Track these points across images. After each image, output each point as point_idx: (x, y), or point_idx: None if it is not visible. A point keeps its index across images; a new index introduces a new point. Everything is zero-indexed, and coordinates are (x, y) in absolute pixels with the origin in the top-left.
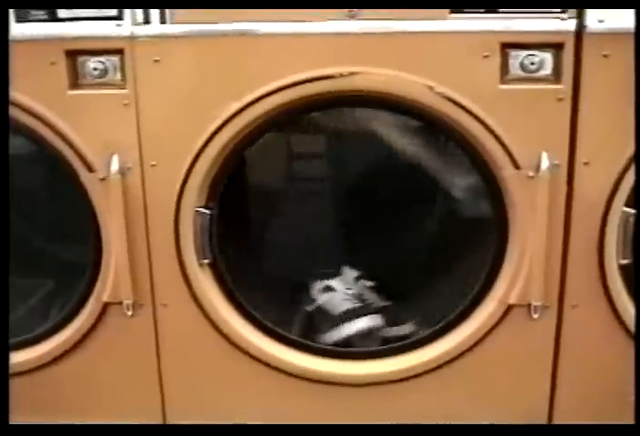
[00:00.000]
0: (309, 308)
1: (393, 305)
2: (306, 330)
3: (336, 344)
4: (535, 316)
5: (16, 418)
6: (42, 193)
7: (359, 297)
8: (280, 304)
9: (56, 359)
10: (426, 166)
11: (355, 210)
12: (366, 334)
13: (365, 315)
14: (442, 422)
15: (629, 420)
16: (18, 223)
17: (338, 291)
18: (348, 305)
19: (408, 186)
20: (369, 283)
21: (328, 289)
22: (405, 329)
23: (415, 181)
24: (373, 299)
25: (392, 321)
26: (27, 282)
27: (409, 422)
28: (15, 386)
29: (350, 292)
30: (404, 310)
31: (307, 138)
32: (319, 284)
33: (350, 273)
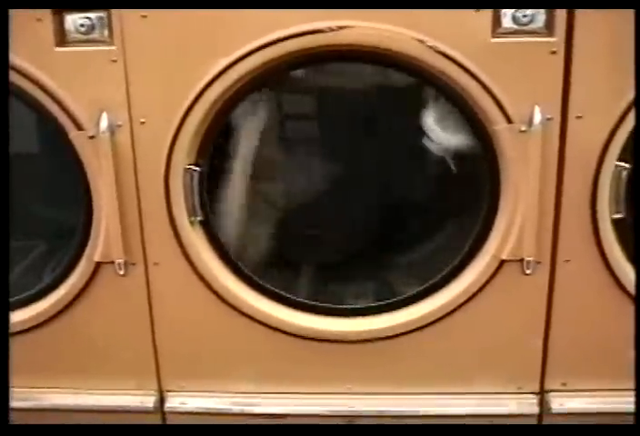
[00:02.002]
0: None
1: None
2: None
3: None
4: (528, 272)
5: (14, 379)
6: (33, 154)
7: None
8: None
9: (50, 319)
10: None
11: (344, 169)
12: None
13: None
14: (436, 378)
15: (623, 376)
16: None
17: None
18: None
19: (398, 144)
20: None
21: None
22: None
23: (405, 139)
24: None
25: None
26: (20, 244)
27: (402, 379)
28: (12, 346)
29: None
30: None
31: (296, 98)
32: None
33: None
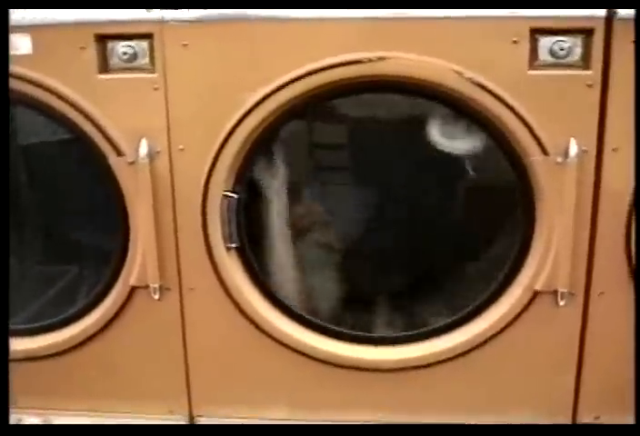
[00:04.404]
0: None
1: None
2: None
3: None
4: (562, 303)
5: (41, 401)
6: (71, 179)
7: None
8: None
9: (84, 342)
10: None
11: (378, 195)
12: None
13: None
14: (468, 408)
15: None
16: (44, 210)
17: None
18: None
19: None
20: None
21: None
22: None
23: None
24: None
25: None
26: (54, 268)
27: (434, 409)
28: (41, 369)
29: None
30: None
31: (331, 127)
32: None
33: None
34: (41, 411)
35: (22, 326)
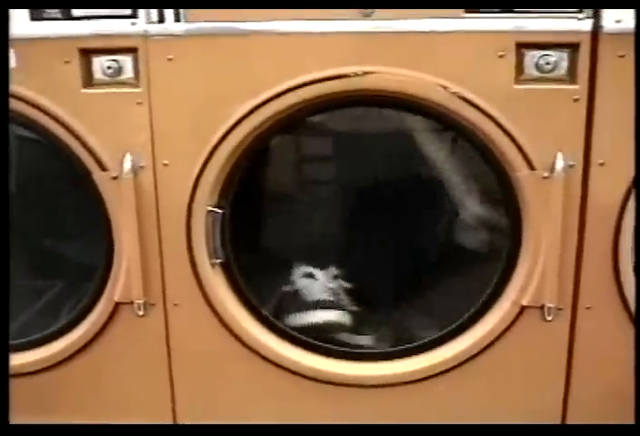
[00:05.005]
0: (286, 288)
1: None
2: (277, 310)
3: (301, 331)
4: (549, 318)
5: (26, 418)
6: (53, 193)
7: (335, 293)
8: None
9: (67, 359)
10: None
11: (360, 211)
12: (328, 329)
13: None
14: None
15: None
16: (28, 224)
17: (319, 280)
18: (324, 296)
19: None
20: (346, 285)
21: (309, 276)
22: (365, 340)
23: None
24: (345, 300)
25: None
26: (37, 283)
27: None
28: (26, 386)
29: (330, 285)
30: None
31: (317, 140)
32: (303, 269)
33: (332, 270)
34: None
35: None
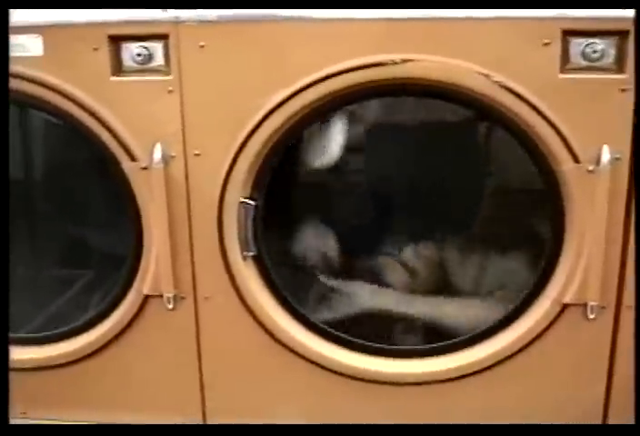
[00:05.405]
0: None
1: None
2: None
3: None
4: (592, 316)
5: (51, 412)
6: (84, 184)
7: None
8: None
9: (95, 352)
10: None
11: (397, 203)
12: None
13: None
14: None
15: None
16: (60, 214)
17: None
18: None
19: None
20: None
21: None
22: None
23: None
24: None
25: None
26: (67, 272)
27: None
28: (54, 379)
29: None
30: None
31: (351, 130)
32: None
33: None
34: (51, 422)
35: (32, 335)
